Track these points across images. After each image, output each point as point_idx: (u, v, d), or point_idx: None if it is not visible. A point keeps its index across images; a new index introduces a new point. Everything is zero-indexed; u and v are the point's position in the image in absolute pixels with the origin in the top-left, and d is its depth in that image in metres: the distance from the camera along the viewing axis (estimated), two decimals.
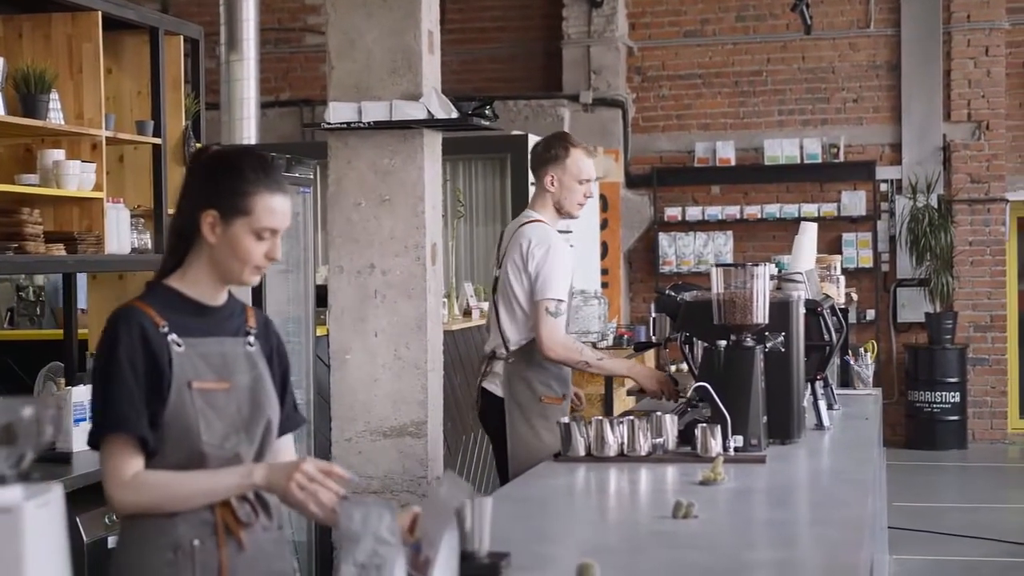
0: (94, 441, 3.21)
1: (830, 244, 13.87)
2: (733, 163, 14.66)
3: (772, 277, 5.47)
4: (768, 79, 14.75)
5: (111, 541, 5.06)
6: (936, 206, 14.03)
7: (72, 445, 5.47)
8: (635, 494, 4.54)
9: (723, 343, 4.97)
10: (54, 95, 6.01)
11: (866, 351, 7.53)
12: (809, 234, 6.62)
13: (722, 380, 4.90)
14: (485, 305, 8.48)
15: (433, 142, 6.32)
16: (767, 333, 5.08)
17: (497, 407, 5.79)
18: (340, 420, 6.25)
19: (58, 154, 6.08)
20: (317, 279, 7.61)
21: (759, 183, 14.65)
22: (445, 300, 8.65)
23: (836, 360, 6.88)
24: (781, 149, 14.53)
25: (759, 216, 14.54)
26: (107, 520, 5.12)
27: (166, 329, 3.20)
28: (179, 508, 3.18)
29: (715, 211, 14.62)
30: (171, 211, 6.72)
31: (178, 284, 3.29)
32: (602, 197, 14.02)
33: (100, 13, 6.23)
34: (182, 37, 7.05)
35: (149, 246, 6.57)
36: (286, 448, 3.47)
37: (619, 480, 4.60)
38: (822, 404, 5.72)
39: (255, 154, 3.32)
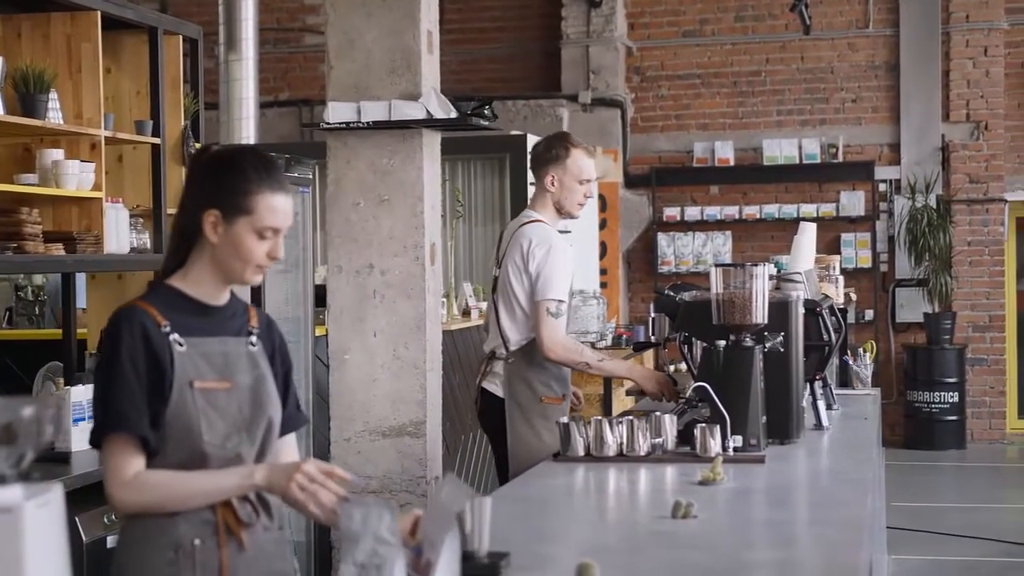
0: (95, 440, 3.21)
1: (829, 244, 13.87)
2: (732, 163, 14.66)
3: (771, 277, 5.46)
4: (767, 79, 14.75)
5: (110, 541, 5.06)
6: (935, 206, 14.03)
7: (71, 445, 5.47)
8: (634, 494, 4.54)
9: (722, 343, 4.96)
10: (53, 95, 6.01)
11: (865, 351, 7.53)
12: (808, 234, 6.62)
13: (721, 380, 4.90)
14: (484, 305, 8.49)
15: (432, 142, 6.32)
16: (766, 333, 5.08)
17: (497, 407, 5.78)
18: (339, 420, 6.26)
19: (57, 154, 6.08)
20: (316, 279, 7.62)
21: (758, 183, 14.65)
22: (444, 300, 8.65)
23: (835, 360, 6.87)
24: (780, 149, 14.53)
25: (758, 216, 14.54)
26: (106, 520, 5.12)
27: (168, 329, 3.21)
28: (180, 508, 3.18)
29: (714, 211, 14.63)
30: (170, 211, 6.73)
31: (180, 284, 3.29)
32: (601, 197, 14.02)
33: (99, 13, 6.23)
34: (181, 37, 7.05)
35: (148, 246, 6.57)
36: (289, 448, 3.47)
37: (618, 480, 4.60)
38: (821, 404, 5.72)
39: (257, 153, 3.32)
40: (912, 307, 14.31)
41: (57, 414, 5.37)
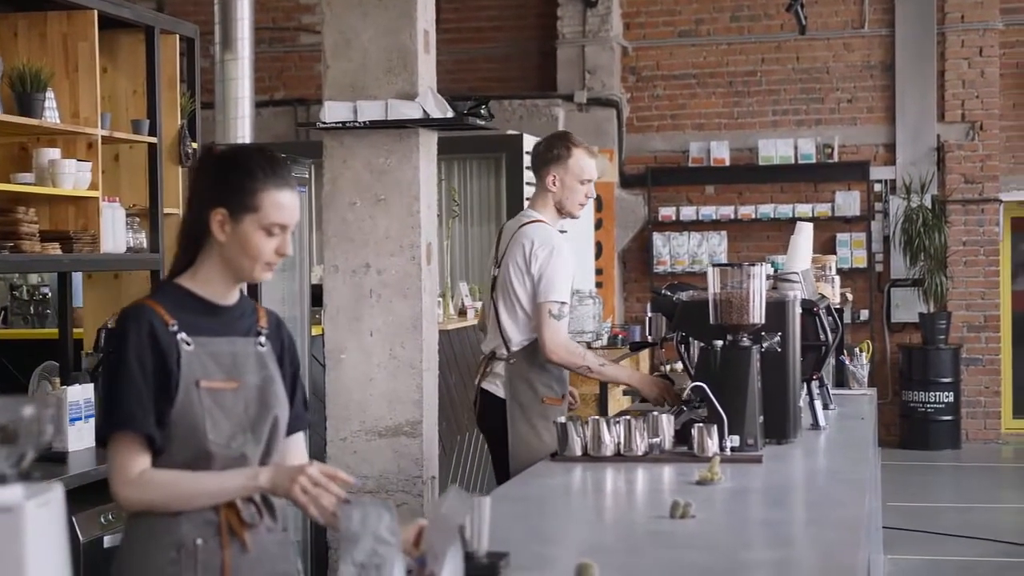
0: (101, 438, 3.23)
1: (824, 244, 13.89)
2: (727, 163, 14.67)
3: (768, 277, 5.46)
4: (762, 79, 14.76)
5: (107, 541, 5.06)
6: (930, 206, 14.05)
7: (68, 445, 5.46)
8: (632, 494, 4.54)
9: (719, 343, 4.96)
10: (50, 94, 6.00)
11: (861, 351, 7.54)
12: (805, 234, 6.61)
13: (718, 380, 4.90)
14: (480, 304, 8.48)
15: (428, 141, 6.32)
16: (763, 333, 5.08)
17: (497, 407, 5.75)
18: (335, 420, 6.25)
19: (54, 153, 6.07)
20: (312, 278, 7.61)
21: (753, 183, 14.66)
22: (440, 300, 8.64)
23: (831, 360, 6.88)
24: (775, 149, 14.54)
25: (753, 216, 14.54)
26: (103, 520, 5.11)
27: (176, 328, 3.21)
28: (184, 507, 3.19)
29: (709, 211, 14.63)
30: (167, 210, 6.73)
31: (189, 283, 3.30)
32: (596, 197, 14.01)
33: (96, 12, 6.22)
34: (178, 36, 7.04)
35: (144, 245, 6.56)
36: (296, 447, 3.48)
37: (616, 480, 4.60)
38: (818, 404, 5.72)
39: (262, 151, 3.34)
40: (907, 307, 14.33)
41: (57, 414, 5.38)
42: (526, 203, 6.57)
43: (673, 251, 14.70)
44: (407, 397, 6.19)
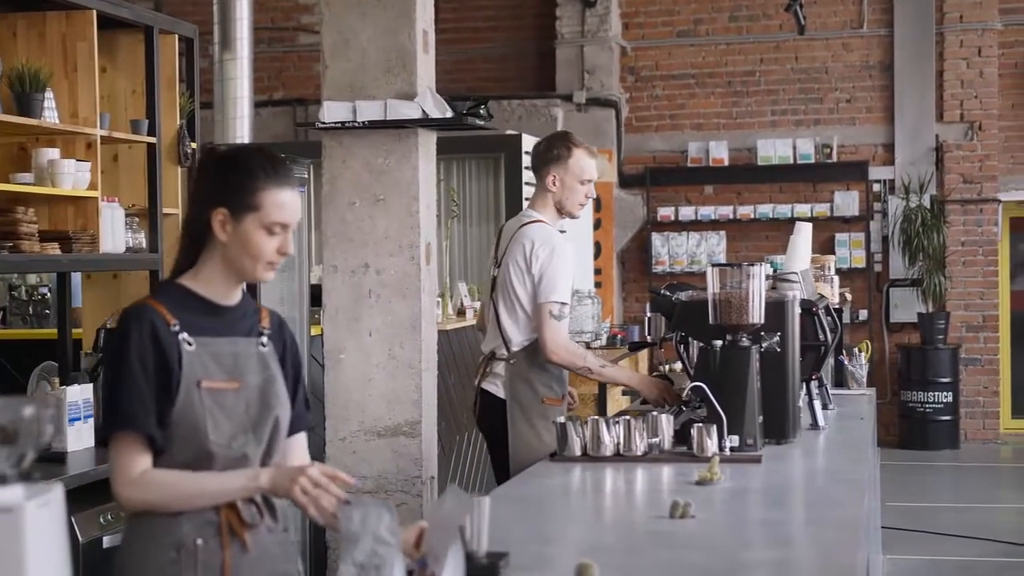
0: (102, 438, 3.24)
1: (823, 244, 13.88)
2: (726, 163, 14.67)
3: (768, 277, 5.46)
4: (761, 79, 14.76)
5: (106, 541, 5.06)
6: (929, 206, 14.05)
7: (67, 445, 5.46)
8: (632, 494, 4.54)
9: (719, 343, 4.96)
10: (49, 94, 6.00)
11: (860, 351, 7.54)
12: (804, 234, 6.62)
13: (718, 380, 4.90)
14: (479, 305, 8.48)
15: (427, 141, 6.32)
16: (763, 333, 5.08)
17: (497, 408, 5.74)
18: (334, 420, 6.25)
19: (53, 153, 6.07)
20: (311, 278, 7.61)
21: (752, 183, 14.66)
22: (439, 300, 8.64)
23: (830, 360, 6.88)
24: (774, 149, 14.55)
25: (752, 216, 14.54)
26: (102, 520, 5.12)
27: (177, 328, 3.22)
28: (185, 508, 3.20)
29: (708, 211, 14.63)
30: (166, 210, 6.73)
31: (191, 283, 3.31)
32: (595, 197, 13.99)
33: (95, 12, 6.21)
34: (177, 36, 7.03)
35: (143, 245, 6.56)
36: (298, 447, 3.49)
37: (615, 480, 4.60)
38: (817, 404, 5.73)
39: (262, 151, 3.35)
40: (906, 307, 14.33)
41: (57, 414, 5.38)
42: (525, 203, 6.58)
43: (672, 251, 14.70)
44: (406, 397, 6.19)
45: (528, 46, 15.25)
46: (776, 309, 5.16)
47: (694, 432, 4.76)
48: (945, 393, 13.90)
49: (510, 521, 3.72)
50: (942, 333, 13.99)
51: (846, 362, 7.38)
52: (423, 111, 6.07)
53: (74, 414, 5.53)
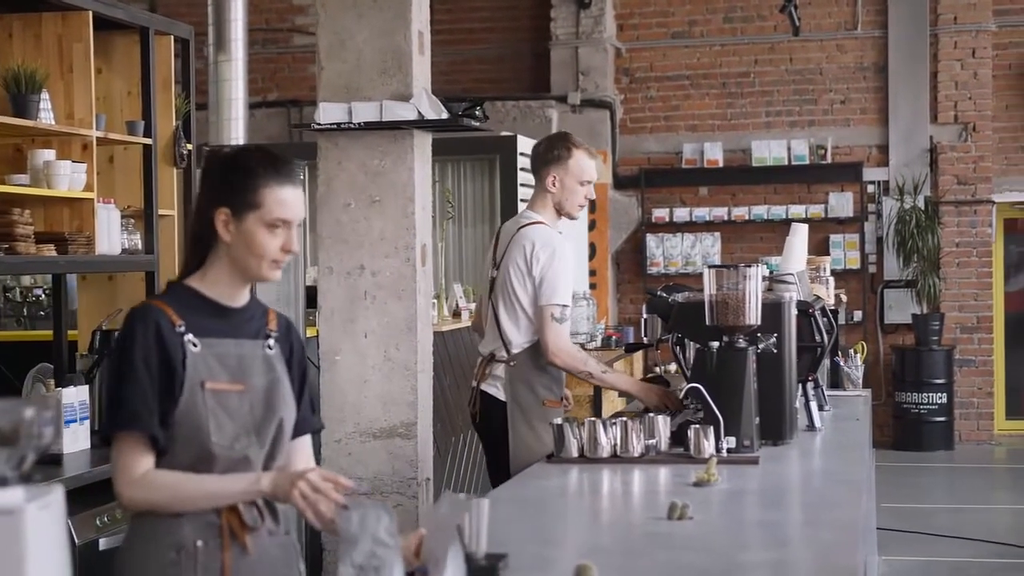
0: (105, 437, 3.24)
1: (817, 246, 13.87)
2: (721, 164, 14.68)
3: (764, 278, 5.46)
4: (756, 80, 14.76)
5: (103, 543, 5.05)
6: (923, 208, 14.06)
7: (63, 447, 5.45)
8: (629, 495, 4.54)
9: (715, 344, 4.97)
10: (44, 95, 5.99)
11: (856, 352, 7.54)
12: (800, 235, 6.62)
13: (715, 381, 4.90)
14: (474, 306, 8.48)
15: (423, 143, 6.31)
16: (759, 334, 5.08)
17: (497, 410, 5.72)
18: (330, 421, 6.24)
19: (49, 154, 6.06)
20: (306, 280, 7.60)
21: (747, 184, 14.67)
22: (435, 301, 8.64)
23: (826, 361, 6.88)
24: (769, 150, 14.55)
25: (747, 217, 14.55)
26: (98, 522, 5.11)
27: (183, 328, 3.23)
28: (186, 509, 3.20)
29: (703, 212, 14.63)
30: (162, 212, 6.72)
31: (198, 285, 3.32)
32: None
33: (91, 13, 6.21)
34: (172, 37, 7.03)
35: (139, 247, 6.55)
36: (303, 450, 3.49)
37: (613, 481, 4.60)
38: (813, 405, 5.73)
39: (262, 150, 3.36)
40: (900, 308, 14.34)
41: (57, 416, 5.37)
42: (520, 204, 6.57)
43: (667, 252, 14.70)
44: (402, 399, 6.18)
45: (523, 47, 15.25)
46: (773, 310, 5.16)
47: (691, 433, 4.77)
48: (939, 394, 13.91)
49: (509, 523, 3.72)
50: (936, 334, 14.01)
51: (842, 363, 7.39)
52: (419, 112, 6.06)
53: (70, 416, 5.52)
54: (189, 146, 7.00)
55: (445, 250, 11.14)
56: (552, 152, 5.78)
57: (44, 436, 2.09)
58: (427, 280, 6.36)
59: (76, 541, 5.00)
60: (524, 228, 5.75)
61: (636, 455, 4.76)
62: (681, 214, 14.64)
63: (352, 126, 6.11)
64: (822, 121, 14.64)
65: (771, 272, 6.36)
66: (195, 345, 3.22)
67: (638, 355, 11.91)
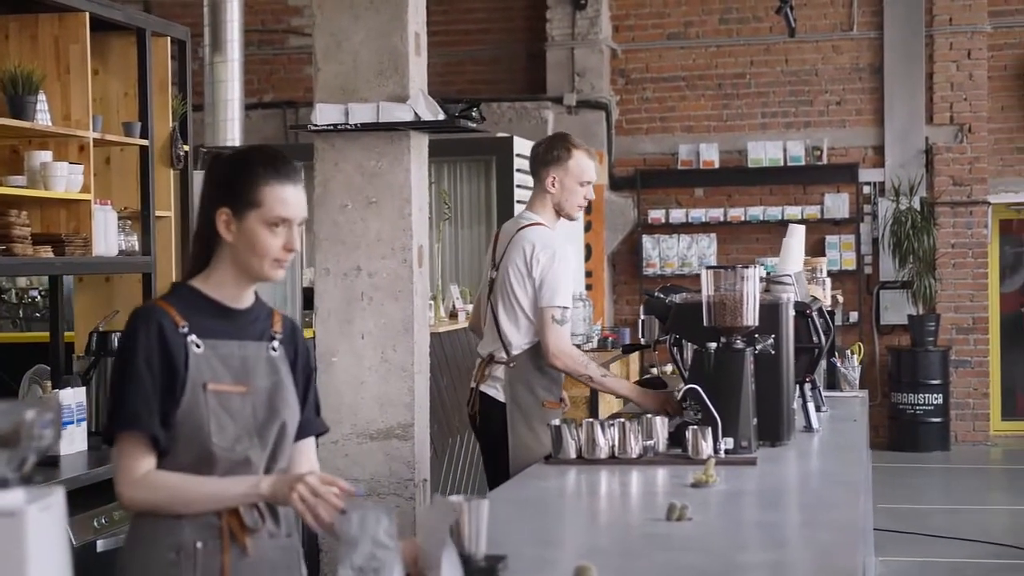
0: (107, 437, 3.24)
1: (813, 246, 13.87)
2: (717, 165, 14.68)
3: (761, 279, 5.46)
4: (751, 82, 14.77)
5: (100, 545, 5.05)
6: (919, 209, 14.07)
7: (60, 448, 5.44)
8: (627, 496, 4.53)
9: (713, 345, 4.96)
10: (41, 96, 5.99)
11: (853, 353, 7.54)
12: (797, 236, 6.62)
13: (712, 382, 4.90)
14: (471, 307, 8.47)
15: (420, 144, 6.31)
16: (757, 335, 5.08)
17: (496, 411, 5.70)
18: (327, 422, 6.23)
19: (45, 156, 6.06)
20: (303, 281, 7.60)
21: (742, 185, 14.67)
22: (431, 302, 8.63)
23: (823, 362, 6.88)
24: (764, 152, 14.56)
25: (742, 218, 14.55)
26: (96, 524, 5.10)
27: (186, 329, 3.23)
28: (186, 510, 3.20)
29: (699, 213, 14.64)
30: (159, 213, 6.71)
31: (202, 286, 3.31)
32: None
33: (87, 14, 6.20)
34: (169, 39, 7.02)
35: (136, 248, 6.54)
36: (306, 452, 3.50)
37: (611, 482, 4.60)
38: (811, 406, 5.72)
39: (263, 150, 3.36)
40: (896, 309, 14.35)
41: (57, 418, 5.36)
42: (516, 205, 6.57)
43: (663, 253, 14.71)
44: (398, 400, 6.18)
45: (518, 48, 15.25)
46: (770, 311, 5.16)
47: (689, 435, 4.76)
48: (935, 395, 13.92)
49: (507, 524, 3.72)
50: (932, 335, 14.02)
51: (838, 364, 7.38)
52: (415, 114, 6.06)
53: (67, 418, 5.50)
54: (186, 147, 7.00)
55: (441, 251, 11.13)
56: (552, 153, 5.77)
57: (45, 438, 2.09)
58: (424, 281, 6.36)
59: (74, 543, 4.99)
60: (524, 229, 5.74)
61: (634, 456, 4.76)
62: (677, 215, 14.65)
63: (348, 127, 6.11)
64: (818, 122, 14.65)
65: (768, 273, 6.37)
66: (198, 346, 3.22)
67: (634, 356, 11.91)
